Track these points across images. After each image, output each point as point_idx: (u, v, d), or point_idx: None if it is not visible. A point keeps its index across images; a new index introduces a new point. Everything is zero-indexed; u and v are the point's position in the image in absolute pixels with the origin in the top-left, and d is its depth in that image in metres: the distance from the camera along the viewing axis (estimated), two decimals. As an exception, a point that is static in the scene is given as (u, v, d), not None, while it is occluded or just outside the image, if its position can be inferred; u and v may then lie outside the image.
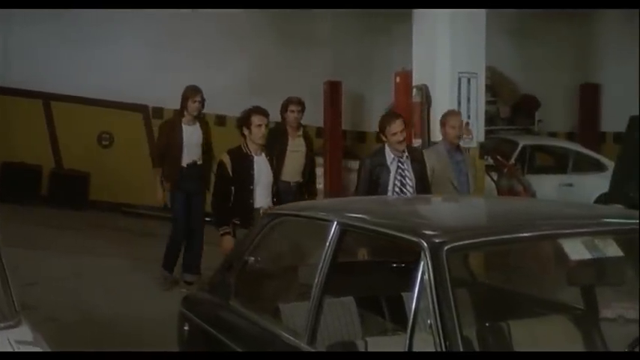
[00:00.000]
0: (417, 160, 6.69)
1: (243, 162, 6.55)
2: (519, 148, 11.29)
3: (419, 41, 9.05)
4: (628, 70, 13.16)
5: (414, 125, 8.86)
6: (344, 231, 3.49)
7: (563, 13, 13.45)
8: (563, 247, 3.18)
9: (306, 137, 8.32)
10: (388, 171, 6.49)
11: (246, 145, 6.65)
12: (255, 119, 6.62)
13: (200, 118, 8.32)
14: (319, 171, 13.10)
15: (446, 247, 2.88)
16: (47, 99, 13.40)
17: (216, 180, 6.76)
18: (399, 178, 6.48)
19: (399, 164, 6.53)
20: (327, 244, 3.47)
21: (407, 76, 9.33)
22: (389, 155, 6.55)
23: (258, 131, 6.60)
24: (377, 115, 13.25)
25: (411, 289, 2.93)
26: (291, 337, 3.50)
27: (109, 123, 13.43)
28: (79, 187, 13.23)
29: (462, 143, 7.60)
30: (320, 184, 12.91)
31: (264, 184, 6.61)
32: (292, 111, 8.09)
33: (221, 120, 13.68)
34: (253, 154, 6.62)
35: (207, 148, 8.24)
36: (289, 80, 13.10)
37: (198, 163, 8.14)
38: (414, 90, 8.98)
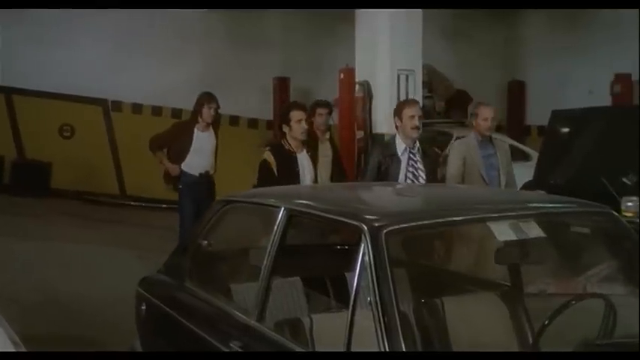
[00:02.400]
0: (428, 153, 6.11)
1: (287, 160, 5.89)
2: (453, 140, 11.38)
3: (361, 40, 9.09)
4: (550, 68, 13.40)
5: (357, 118, 8.93)
6: (291, 216, 3.49)
7: (494, 15, 13.63)
8: (491, 230, 3.22)
9: (332, 142, 7.46)
10: (399, 162, 5.87)
11: (287, 142, 5.98)
12: (295, 114, 5.96)
13: (215, 126, 7.55)
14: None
15: (384, 231, 2.89)
16: (9, 93, 13.17)
17: (261, 181, 5.91)
18: (410, 169, 5.86)
19: (411, 155, 5.92)
20: (275, 228, 3.47)
21: (350, 72, 9.35)
22: (400, 145, 5.94)
23: (298, 127, 5.92)
24: (323, 109, 13.38)
25: (352, 269, 2.93)
26: (242, 315, 3.48)
27: (70, 115, 13.26)
28: (40, 176, 13.05)
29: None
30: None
31: (309, 182, 5.96)
32: (320, 114, 7.28)
33: (177, 113, 13.58)
34: (295, 151, 5.96)
35: (215, 153, 7.58)
36: (241, 76, 13.09)
37: (211, 172, 7.49)
38: (357, 85, 9.02)
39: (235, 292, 3.86)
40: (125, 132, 13.39)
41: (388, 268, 2.78)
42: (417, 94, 8.81)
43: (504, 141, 7.25)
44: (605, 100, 12.00)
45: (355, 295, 2.82)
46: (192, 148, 7.31)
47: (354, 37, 9.19)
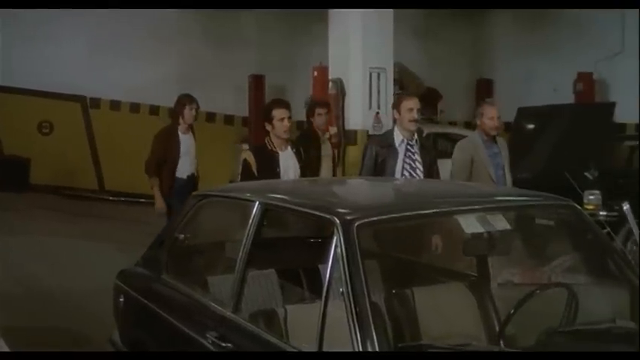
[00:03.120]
0: (426, 147, 5.94)
1: (267, 159, 5.67)
2: (424, 135, 11.44)
3: (334, 39, 9.11)
4: (517, 67, 13.49)
5: (331, 115, 8.92)
6: (265, 210, 3.49)
7: (463, 14, 13.70)
8: (459, 222, 3.24)
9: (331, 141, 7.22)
10: (396, 153, 5.70)
11: (270, 140, 5.75)
12: (277, 113, 5.70)
13: (192, 127, 7.27)
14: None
15: (356, 224, 2.89)
16: (-12, 90, 13.03)
17: (243, 180, 5.73)
18: (408, 161, 5.70)
19: (408, 147, 5.75)
20: (250, 221, 3.46)
21: (324, 70, 9.37)
22: (397, 137, 5.77)
23: (281, 125, 5.67)
24: (298, 106, 13.33)
25: (325, 261, 2.94)
26: (218, 307, 3.48)
27: (48, 112, 13.15)
28: (19, 171, 12.91)
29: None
30: (245, 168, 12.93)
31: None
32: (320, 114, 7.09)
33: (154, 110, 13.53)
34: (278, 150, 5.72)
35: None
36: (217, 74, 13.04)
37: (196, 175, 7.25)
38: (330, 83, 9.04)
39: (211, 284, 3.86)
40: (103, 128, 13.30)
41: (360, 259, 2.79)
42: (389, 91, 8.85)
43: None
44: (568, 97, 12.11)
45: (328, 286, 2.83)
46: (181, 152, 7.03)
47: (328, 36, 9.20)
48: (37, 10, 11.43)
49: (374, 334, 2.61)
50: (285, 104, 5.90)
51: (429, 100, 13.93)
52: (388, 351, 2.65)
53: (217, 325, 3.38)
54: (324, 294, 2.83)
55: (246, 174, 5.68)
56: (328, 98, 8.96)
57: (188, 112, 7.05)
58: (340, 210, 3.06)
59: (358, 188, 4.50)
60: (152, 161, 7.03)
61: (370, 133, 8.63)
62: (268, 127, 5.76)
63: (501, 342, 3.26)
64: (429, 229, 3.76)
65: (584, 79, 12.57)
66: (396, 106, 5.87)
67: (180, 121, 7.08)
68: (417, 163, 5.70)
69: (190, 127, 7.19)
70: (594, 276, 3.92)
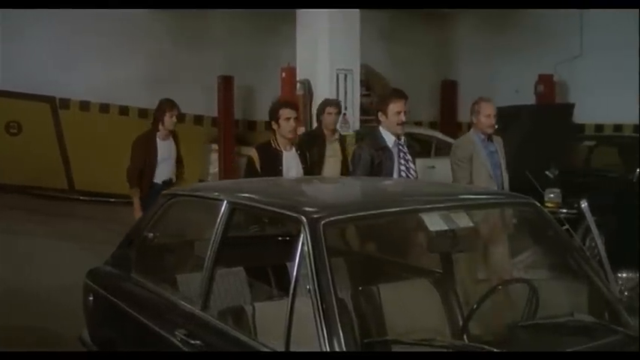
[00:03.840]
0: (413, 147, 5.81)
1: (271, 157, 5.64)
2: (369, 134, 11.47)
3: (302, 41, 9.12)
4: (480, 68, 13.61)
5: (298, 115, 8.92)
6: (233, 209, 3.48)
7: (427, 17, 13.79)
8: (423, 220, 3.26)
9: (342, 142, 7.04)
10: (391, 155, 5.49)
11: (275, 139, 5.74)
12: (283, 112, 5.69)
13: (174, 132, 7.05)
14: (214, 156, 13.11)
15: (322, 222, 2.89)
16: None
17: (245, 176, 5.78)
18: (403, 162, 5.52)
19: (400, 147, 5.56)
20: (218, 220, 3.45)
21: (292, 71, 9.39)
22: (389, 138, 5.54)
23: (286, 125, 5.66)
24: (266, 106, 13.30)
25: (293, 259, 2.93)
26: (187, 304, 3.46)
27: (16, 113, 12.94)
28: (-14, 171, 12.70)
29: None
30: (215, 168, 12.88)
31: None
32: (330, 113, 6.88)
33: (124, 110, 13.42)
34: (282, 149, 5.71)
35: (179, 162, 7.10)
36: (187, 74, 12.97)
37: (174, 181, 6.98)
38: (298, 84, 9.07)
39: (180, 282, 3.84)
40: (73, 129, 13.13)
41: (326, 257, 2.79)
42: (355, 92, 8.89)
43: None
44: (530, 98, 12.26)
45: (295, 283, 2.82)
46: (158, 159, 6.83)
47: (296, 38, 9.21)
48: (4, 10, 11.26)
49: (340, 330, 2.61)
50: (291, 105, 5.85)
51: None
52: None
53: (186, 323, 3.36)
54: (291, 291, 2.82)
55: (249, 171, 5.64)
56: (296, 99, 8.98)
57: (168, 119, 6.84)
58: (307, 209, 3.05)
59: (326, 187, 4.51)
60: (134, 170, 6.81)
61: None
62: (274, 127, 5.72)
63: (465, 336, 3.29)
64: (394, 227, 3.76)
65: (545, 81, 12.75)
66: (382, 108, 5.58)
67: (160, 127, 6.89)
68: (410, 163, 5.56)
69: (171, 133, 6.98)
70: (554, 271, 3.97)
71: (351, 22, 8.79)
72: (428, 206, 3.36)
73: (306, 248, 2.83)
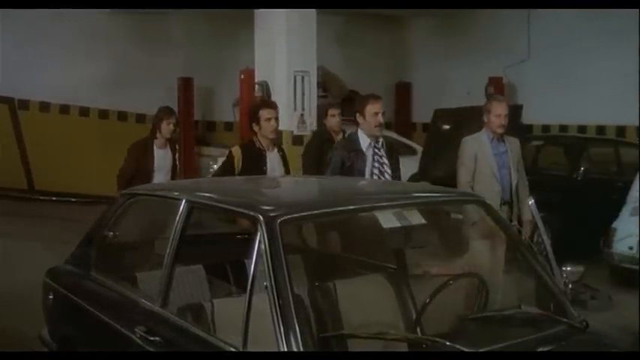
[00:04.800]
0: (393, 148, 5.60)
1: (255, 157, 5.47)
2: (346, 135, 11.51)
3: (260, 43, 9.12)
4: (433, 71, 13.74)
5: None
6: (192, 208, 3.45)
7: (382, 20, 13.87)
8: (377, 218, 3.28)
9: None
10: (364, 157, 5.31)
11: (258, 140, 5.58)
12: (264, 113, 5.52)
13: (171, 141, 6.72)
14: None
15: (279, 220, 2.89)
16: None
17: (220, 171, 5.65)
18: (376, 165, 5.33)
19: (376, 150, 5.36)
20: (177, 219, 3.42)
21: (250, 73, 9.37)
22: (364, 140, 5.36)
23: (268, 125, 5.48)
24: (225, 107, 13.33)
25: (250, 256, 2.92)
26: (147, 302, 3.43)
27: (-26, 113, 12.68)
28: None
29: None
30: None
31: None
32: (333, 115, 6.65)
33: (84, 111, 13.25)
34: (265, 149, 5.56)
35: (173, 170, 6.75)
36: (147, 75, 12.84)
37: None
38: (257, 86, 9.06)
39: (140, 280, 3.81)
40: (33, 130, 12.91)
41: (282, 254, 2.79)
42: (312, 93, 8.91)
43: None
44: (481, 100, 12.31)
45: (252, 280, 2.82)
46: (155, 167, 6.48)
47: (254, 41, 9.20)
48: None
49: (296, 325, 2.62)
50: (272, 105, 5.68)
51: (352, 102, 14.03)
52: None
53: (146, 320, 3.34)
54: (248, 288, 2.82)
55: (225, 167, 5.51)
56: (254, 100, 8.96)
57: (165, 126, 6.53)
58: (264, 207, 3.05)
59: (284, 186, 4.51)
60: (125, 174, 6.45)
61: (295, 133, 8.66)
62: (255, 128, 5.55)
63: (418, 329, 3.32)
64: (349, 224, 3.78)
65: (495, 83, 12.91)
66: (360, 109, 5.39)
67: (157, 135, 6.59)
68: (385, 167, 5.36)
69: (168, 142, 6.67)
70: (503, 266, 4.04)
71: (308, 24, 8.80)
72: (381, 204, 3.38)
73: (263, 246, 2.83)
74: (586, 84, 11.37)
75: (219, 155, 10.82)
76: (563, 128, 12.06)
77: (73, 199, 12.15)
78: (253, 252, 2.88)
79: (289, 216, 2.99)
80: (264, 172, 5.41)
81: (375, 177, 5.26)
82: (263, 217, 2.91)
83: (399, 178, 5.39)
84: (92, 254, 4.07)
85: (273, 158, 5.59)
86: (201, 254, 3.98)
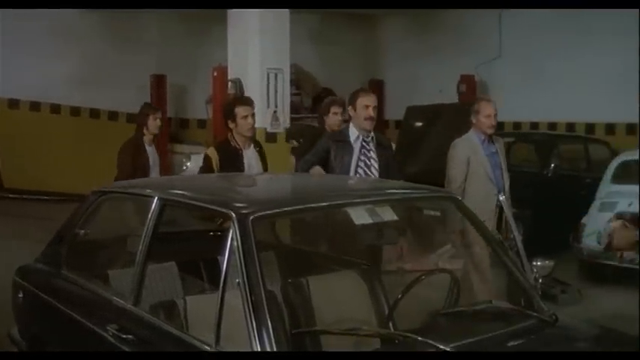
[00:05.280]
0: (383, 145, 5.42)
1: (231, 156, 5.33)
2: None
3: (233, 41, 9.08)
4: (406, 68, 13.78)
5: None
6: (164, 205, 3.43)
7: (355, 18, 13.89)
8: (349, 214, 3.28)
9: None
10: (351, 149, 5.17)
11: (234, 138, 5.42)
12: (240, 110, 5.36)
13: (157, 140, 6.63)
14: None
15: (251, 217, 2.88)
16: None
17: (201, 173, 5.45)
18: (363, 159, 5.18)
19: (364, 143, 5.22)
20: (150, 216, 3.40)
21: (223, 70, 9.32)
22: (353, 133, 5.23)
23: (244, 123, 5.34)
24: (198, 105, 13.27)
25: (223, 253, 2.91)
26: (119, 299, 3.41)
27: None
28: None
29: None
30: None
31: None
32: (335, 113, 6.29)
33: (55, 108, 13.10)
34: (242, 148, 5.41)
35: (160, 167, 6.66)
36: (119, 73, 12.73)
37: None
38: (230, 83, 9.02)
39: (112, 277, 3.77)
40: (2, 127, 12.72)
41: (255, 251, 2.78)
42: (285, 91, 8.89)
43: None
44: (452, 97, 12.47)
45: (225, 277, 2.81)
46: (150, 164, 6.34)
47: (227, 38, 9.17)
48: None
49: (269, 321, 2.61)
50: (248, 102, 5.56)
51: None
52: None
53: (118, 318, 3.31)
54: (221, 285, 2.81)
55: (205, 169, 5.38)
56: (228, 97, 8.92)
57: (152, 122, 6.44)
58: (236, 204, 3.04)
59: (257, 183, 4.49)
60: (123, 176, 6.10)
61: (269, 130, 8.64)
62: (231, 125, 5.42)
63: (390, 324, 3.33)
64: (321, 221, 3.78)
65: (467, 81, 13.00)
66: (352, 102, 5.31)
67: (145, 131, 6.46)
68: (372, 161, 5.19)
69: (155, 138, 6.60)
70: (475, 261, 4.07)
71: (281, 22, 8.78)
72: (354, 201, 3.38)
73: (235, 243, 2.82)
74: (556, 82, 11.49)
75: (192, 152, 10.77)
76: (534, 125, 12.17)
77: (44, 197, 12.01)
78: (226, 249, 2.86)
79: (262, 213, 2.98)
80: (241, 171, 5.30)
81: (361, 171, 5.15)
82: (235, 214, 2.90)
83: (387, 176, 5.17)
84: (63, 252, 4.02)
85: (250, 156, 5.47)
86: (174, 252, 3.96)
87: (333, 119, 6.41)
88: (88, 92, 12.80)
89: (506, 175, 5.77)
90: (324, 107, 6.43)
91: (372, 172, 5.18)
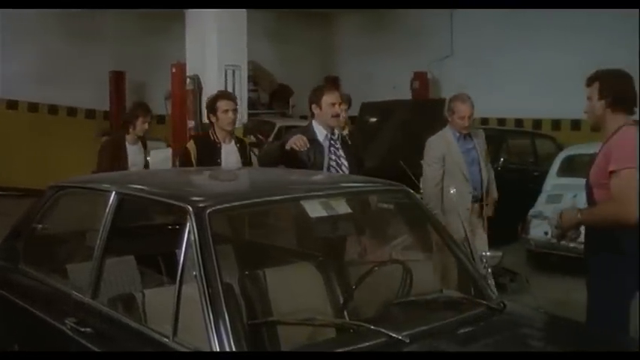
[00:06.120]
0: (348, 141, 5.19)
1: (209, 149, 5.30)
2: (276, 128, 11.53)
3: (191, 38, 9.03)
4: (361, 65, 13.84)
5: (188, 109, 8.87)
6: (122, 200, 3.39)
7: (311, 16, 13.89)
8: (304, 207, 3.28)
9: (353, 137, 6.03)
10: (322, 149, 4.97)
11: (214, 132, 5.40)
12: (222, 104, 5.35)
13: (142, 138, 6.47)
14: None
15: (208, 211, 2.86)
16: None
17: (181, 166, 5.44)
18: (333, 157, 5.00)
19: (332, 142, 5.04)
20: (107, 210, 3.36)
21: (182, 67, 9.26)
22: (320, 132, 5.02)
23: (225, 117, 5.32)
24: (157, 101, 13.12)
25: (180, 246, 2.89)
26: (77, 293, 3.36)
27: None
28: None
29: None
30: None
31: None
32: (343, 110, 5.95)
33: (13, 104, 12.83)
34: (221, 142, 5.38)
35: (146, 167, 6.52)
36: (78, 70, 12.54)
37: None
38: (188, 79, 8.97)
39: (70, 271, 3.71)
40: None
41: (211, 244, 2.76)
42: (243, 87, 8.86)
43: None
44: (406, 94, 12.57)
45: (182, 270, 2.79)
46: (129, 164, 6.23)
47: (185, 35, 9.10)
48: None
49: (225, 312, 2.60)
50: (230, 96, 5.55)
51: (281, 95, 14.06)
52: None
53: (76, 311, 3.26)
54: (178, 277, 2.79)
55: (184, 162, 5.33)
56: (185, 94, 8.89)
57: (140, 124, 6.29)
58: (193, 198, 3.02)
59: (215, 178, 4.46)
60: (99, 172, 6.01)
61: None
62: (212, 119, 5.40)
63: (345, 314, 3.35)
64: (277, 214, 3.78)
65: (420, 78, 13.12)
66: (316, 100, 5.05)
67: (130, 130, 6.33)
68: (341, 159, 5.03)
69: (140, 138, 6.44)
70: (426, 252, 4.09)
71: (239, 19, 8.75)
72: (308, 194, 3.39)
73: (192, 236, 2.80)
74: (505, 79, 11.66)
75: (151, 148, 10.64)
76: (484, 121, 12.30)
77: (1, 193, 11.77)
78: (183, 242, 2.84)
79: (218, 206, 2.96)
80: (218, 165, 5.26)
81: (333, 170, 4.98)
82: (192, 208, 2.88)
83: (357, 172, 5.01)
84: (20, 247, 3.95)
85: (229, 150, 5.41)
86: (132, 245, 3.91)
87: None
88: (46, 89, 12.58)
89: (484, 171, 5.60)
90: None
91: (342, 171, 5.02)
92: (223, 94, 5.62)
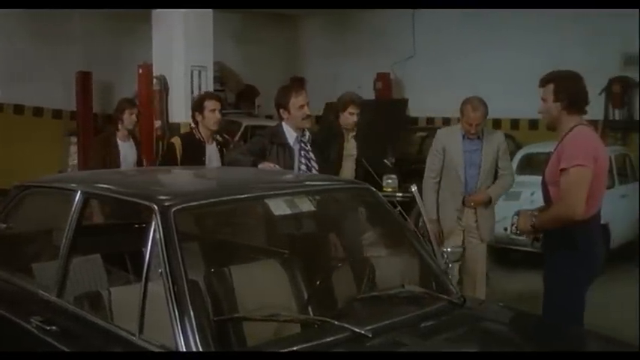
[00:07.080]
0: (317, 142, 5.04)
1: (194, 147, 5.32)
2: (243, 128, 11.49)
3: (157, 39, 8.96)
4: (325, 66, 13.85)
5: (155, 110, 8.81)
6: (87, 199, 3.36)
7: (276, 18, 13.87)
8: (269, 205, 3.28)
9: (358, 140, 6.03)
10: (292, 151, 4.78)
11: (198, 131, 5.45)
12: (209, 104, 5.42)
13: (134, 134, 6.44)
14: (74, 148, 12.58)
15: (173, 209, 2.85)
16: None
17: (163, 161, 5.51)
18: (303, 160, 4.84)
19: (302, 144, 4.86)
20: (72, 209, 3.32)
21: (148, 67, 9.17)
22: (290, 135, 4.82)
23: (212, 116, 5.38)
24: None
25: (146, 245, 2.87)
26: (43, 292, 3.31)
27: None
28: None
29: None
30: (74, 160, 12.35)
31: None
32: (352, 113, 5.79)
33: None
34: (205, 141, 5.42)
35: (139, 164, 6.43)
36: (45, 70, 12.34)
37: None
38: (155, 80, 8.90)
39: (36, 271, 3.66)
40: None
41: (177, 242, 2.75)
42: (209, 87, 8.82)
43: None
44: (370, 94, 12.61)
45: (148, 268, 2.77)
46: (121, 160, 6.16)
47: (152, 36, 9.03)
48: None
49: (191, 309, 2.58)
50: (217, 97, 5.61)
51: (248, 95, 14.00)
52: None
53: (42, 310, 3.22)
54: (144, 275, 2.77)
55: (168, 157, 5.37)
56: (152, 94, 8.82)
57: (128, 117, 6.25)
58: (159, 197, 3.00)
59: (181, 176, 4.43)
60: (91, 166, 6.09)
61: (192, 125, 8.53)
62: (198, 118, 5.45)
63: (310, 310, 3.35)
64: (242, 212, 3.76)
65: (383, 79, 13.17)
66: (284, 104, 4.84)
67: (120, 126, 6.29)
68: (312, 162, 4.85)
69: (131, 134, 6.41)
70: (389, 249, 4.12)
71: (205, 20, 8.71)
72: (273, 192, 3.38)
73: (157, 235, 2.78)
74: (465, 80, 11.75)
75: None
76: (446, 121, 12.40)
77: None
78: (149, 240, 2.82)
79: (184, 205, 2.95)
80: (202, 163, 5.29)
81: (303, 172, 4.80)
82: (157, 207, 2.86)
83: (328, 172, 4.90)
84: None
85: (212, 150, 5.46)
86: (98, 244, 3.87)
87: (349, 119, 5.86)
88: (12, 88, 12.34)
89: (482, 176, 5.35)
90: (340, 104, 5.89)
91: (311, 173, 4.83)
92: (210, 95, 5.71)
